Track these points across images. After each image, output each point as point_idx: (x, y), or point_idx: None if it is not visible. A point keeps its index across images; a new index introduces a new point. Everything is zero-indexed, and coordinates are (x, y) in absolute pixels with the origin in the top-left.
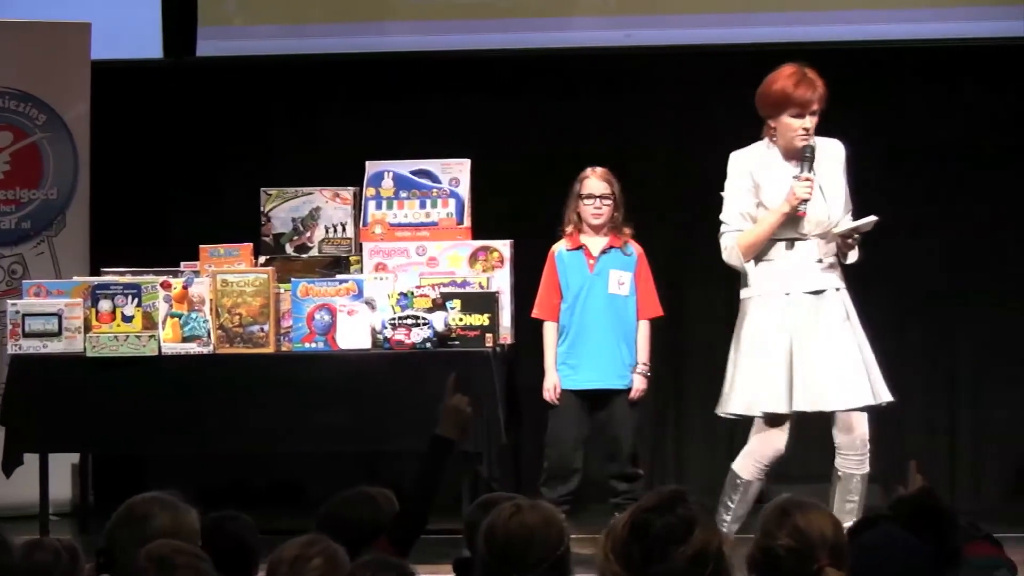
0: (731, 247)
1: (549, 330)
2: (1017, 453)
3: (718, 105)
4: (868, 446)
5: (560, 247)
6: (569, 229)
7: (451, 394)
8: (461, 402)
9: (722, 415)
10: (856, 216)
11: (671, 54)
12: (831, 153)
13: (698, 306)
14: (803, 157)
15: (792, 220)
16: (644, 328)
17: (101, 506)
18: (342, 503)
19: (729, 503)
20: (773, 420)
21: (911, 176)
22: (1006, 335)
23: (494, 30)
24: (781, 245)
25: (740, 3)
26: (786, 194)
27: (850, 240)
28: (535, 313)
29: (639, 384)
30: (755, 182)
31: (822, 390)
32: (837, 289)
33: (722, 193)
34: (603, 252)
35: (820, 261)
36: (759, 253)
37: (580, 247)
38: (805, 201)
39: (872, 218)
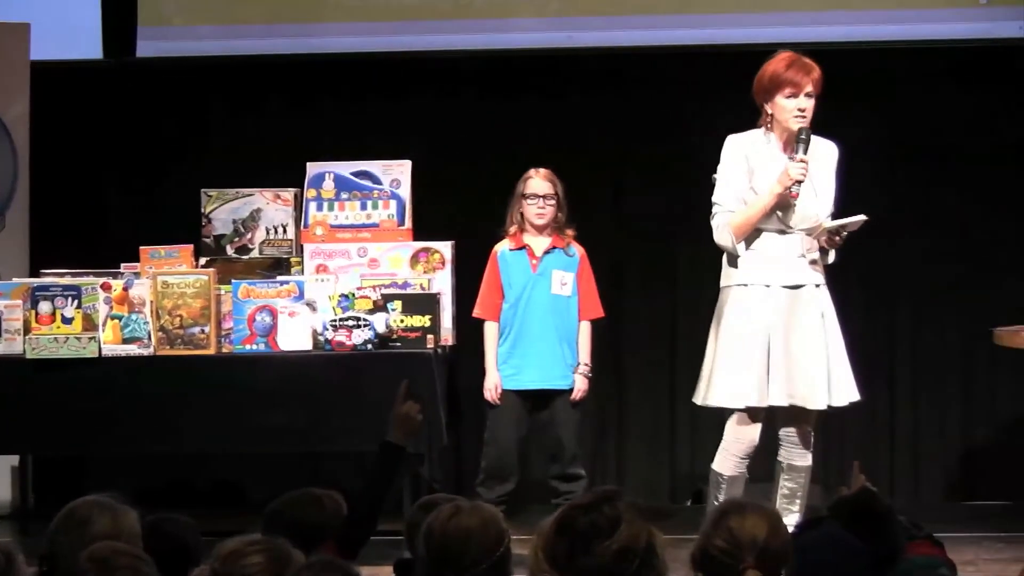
0: (722, 227)
1: (490, 330)
2: (957, 453)
3: (661, 105)
4: (812, 438)
5: (503, 247)
6: (512, 229)
7: (402, 401)
8: (412, 409)
9: (700, 404)
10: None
11: (613, 55)
12: (825, 152)
13: (639, 307)
14: (798, 139)
15: (779, 212)
16: (585, 329)
17: (41, 508)
18: (288, 503)
19: (716, 503)
20: (749, 413)
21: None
22: (944, 334)
23: (435, 31)
24: (766, 236)
25: (680, 5)
26: (779, 175)
27: (837, 237)
28: (476, 313)
29: (581, 384)
30: (750, 166)
31: (798, 385)
32: (817, 286)
33: (715, 176)
34: (546, 252)
35: (803, 256)
36: (746, 242)
37: (523, 247)
38: (799, 183)
39: (861, 217)
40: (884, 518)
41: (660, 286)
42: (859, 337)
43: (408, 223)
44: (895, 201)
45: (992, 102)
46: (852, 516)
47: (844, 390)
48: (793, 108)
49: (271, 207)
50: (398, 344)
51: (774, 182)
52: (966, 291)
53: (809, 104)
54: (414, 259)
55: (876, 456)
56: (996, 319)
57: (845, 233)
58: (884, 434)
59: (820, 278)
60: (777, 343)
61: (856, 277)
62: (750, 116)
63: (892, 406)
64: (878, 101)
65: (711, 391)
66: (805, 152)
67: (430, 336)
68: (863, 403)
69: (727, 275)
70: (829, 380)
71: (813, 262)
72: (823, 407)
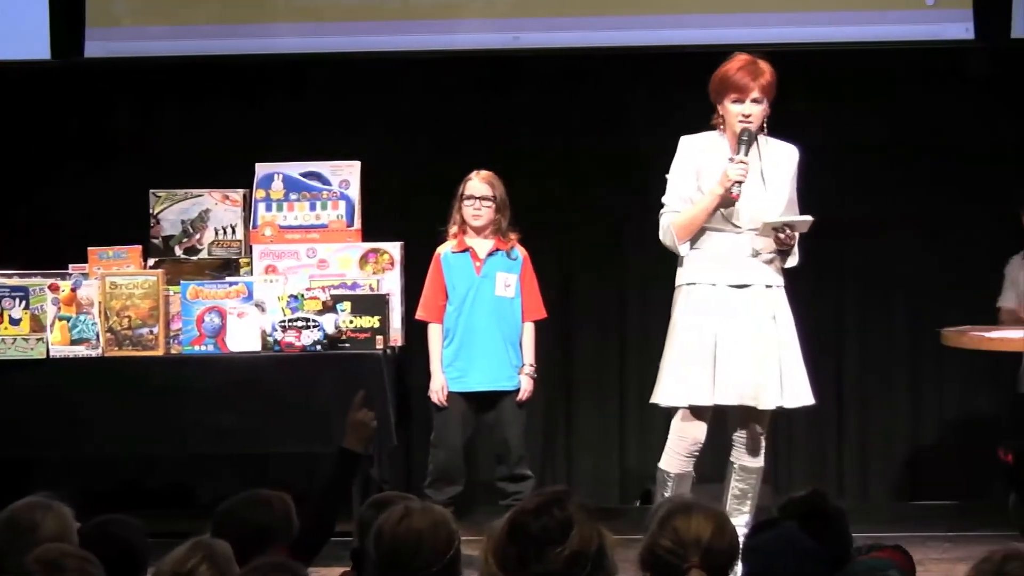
0: (666, 227)
1: (434, 332)
2: (904, 453)
3: (609, 106)
4: (764, 440)
5: (445, 249)
6: (454, 231)
7: (357, 408)
8: (367, 416)
9: (655, 403)
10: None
11: (560, 56)
12: (784, 155)
13: (588, 306)
14: (739, 140)
15: (728, 211)
16: (529, 330)
17: None
18: (238, 505)
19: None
20: (693, 411)
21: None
22: (892, 335)
23: (383, 32)
24: (715, 235)
25: (627, 5)
26: (720, 176)
27: (783, 236)
28: (419, 315)
29: (527, 385)
30: (698, 167)
31: (746, 385)
32: (768, 286)
33: (667, 176)
34: (489, 255)
35: (754, 256)
36: (694, 240)
37: (466, 249)
38: (739, 184)
39: (807, 217)
40: (834, 519)
41: (609, 286)
42: (807, 338)
43: (357, 224)
44: (843, 201)
45: (939, 102)
46: (802, 517)
47: (797, 393)
48: (738, 113)
49: (220, 208)
50: (347, 345)
51: (714, 184)
52: (914, 292)
53: (755, 109)
54: (363, 260)
55: (824, 457)
56: (943, 320)
57: (795, 234)
58: (832, 435)
59: (774, 279)
60: (724, 342)
61: (803, 277)
62: (701, 116)
63: (840, 407)
64: (826, 101)
65: (659, 390)
66: (746, 153)
67: (379, 337)
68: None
69: (679, 274)
70: (781, 382)
71: (767, 263)
72: (771, 407)
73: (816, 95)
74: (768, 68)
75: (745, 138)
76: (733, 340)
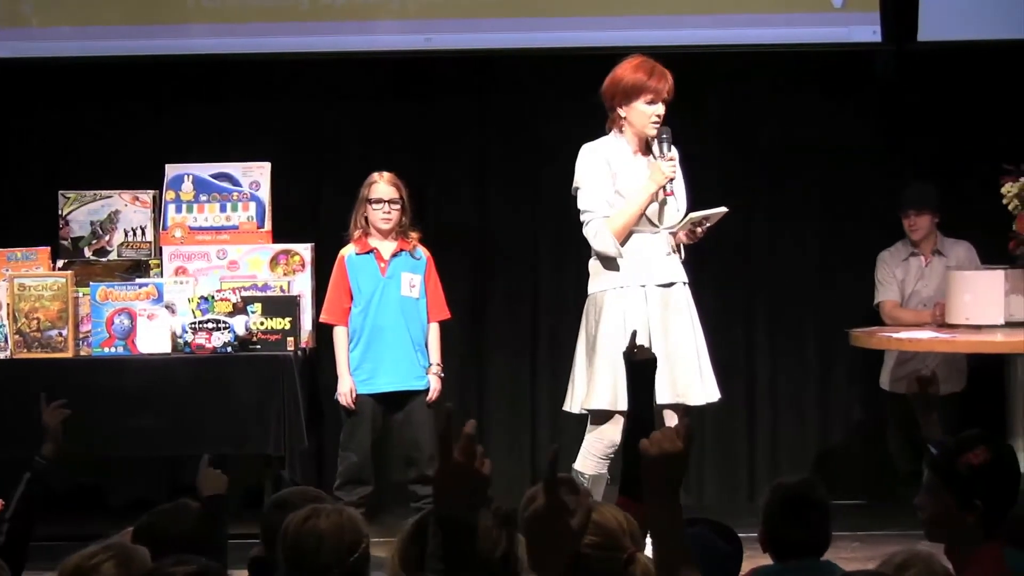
0: (601, 232)
1: (340, 335)
2: (813, 452)
3: (519, 108)
4: None
5: (349, 251)
6: (357, 233)
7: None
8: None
9: (574, 411)
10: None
11: (471, 58)
12: (676, 153)
13: (500, 308)
14: (661, 139)
15: (651, 212)
16: (435, 330)
17: None
18: (159, 515)
19: None
20: (609, 414)
21: (716, 176)
22: (801, 335)
23: (294, 32)
24: (637, 236)
25: (537, 8)
26: (650, 174)
27: (698, 230)
28: (324, 318)
29: (436, 385)
30: (612, 171)
31: (678, 383)
32: (684, 283)
33: (576, 186)
34: (394, 255)
35: (670, 254)
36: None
37: (371, 251)
38: (671, 180)
39: (722, 209)
40: (819, 508)
41: (522, 287)
42: (717, 338)
43: (268, 225)
44: (750, 202)
45: (847, 105)
46: (787, 500)
47: (710, 388)
48: (651, 114)
49: (129, 209)
50: (258, 346)
51: (646, 181)
52: (823, 292)
53: (663, 110)
54: (274, 261)
55: (735, 456)
56: (853, 321)
57: (707, 225)
58: (742, 434)
59: (684, 276)
60: (657, 342)
61: (712, 279)
62: (601, 119)
63: (751, 406)
64: (733, 104)
65: (592, 395)
66: (670, 149)
67: (290, 338)
68: (722, 404)
69: (600, 279)
70: (701, 377)
71: (678, 260)
72: (702, 402)
73: (720, 97)
74: (669, 72)
75: (666, 136)
76: (667, 340)
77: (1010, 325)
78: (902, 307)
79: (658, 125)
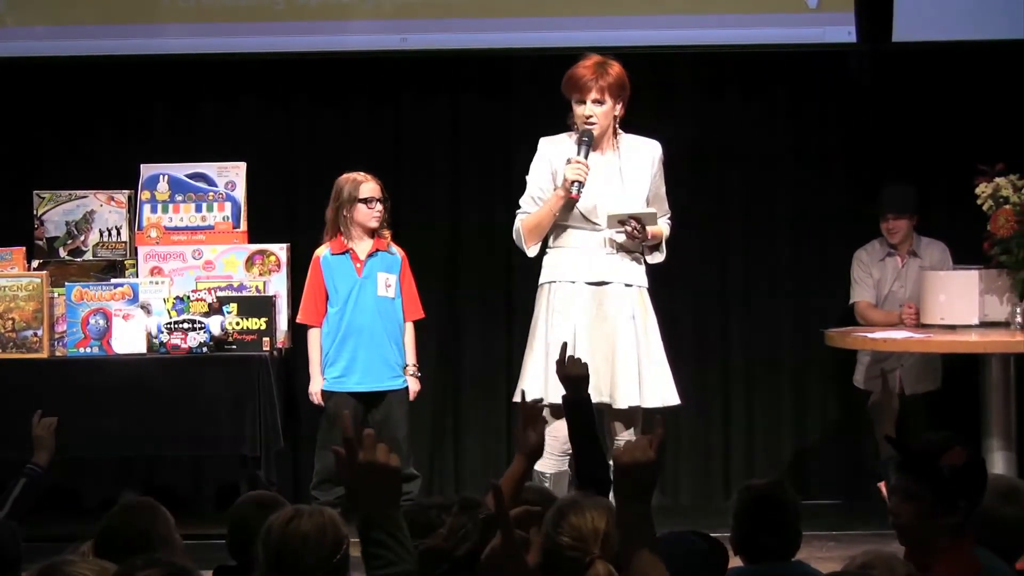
0: (517, 229)
1: (314, 336)
2: (789, 452)
3: (490, 106)
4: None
5: (324, 252)
6: (333, 233)
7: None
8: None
9: (517, 400)
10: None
11: (447, 58)
12: (644, 151)
13: (474, 306)
14: (579, 141)
15: (588, 209)
16: (410, 330)
17: None
18: (121, 512)
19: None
20: (558, 410)
21: (690, 178)
22: (777, 336)
23: (269, 32)
24: (574, 232)
25: (513, 8)
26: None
27: (628, 228)
28: (300, 319)
29: (413, 385)
30: (554, 168)
31: (602, 384)
32: (628, 285)
33: (527, 177)
34: (370, 255)
35: (613, 254)
36: (554, 239)
37: (346, 251)
38: (578, 184)
39: (651, 209)
40: (789, 510)
41: (495, 284)
42: (693, 339)
43: (243, 225)
44: (725, 204)
45: (823, 105)
46: (756, 504)
47: (659, 392)
48: (581, 114)
49: (105, 209)
50: (234, 347)
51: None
52: (798, 293)
53: (598, 110)
54: (249, 261)
55: (710, 456)
56: (828, 321)
57: (642, 227)
58: (718, 435)
59: (636, 278)
60: (583, 340)
61: (686, 279)
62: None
63: (726, 406)
64: (705, 105)
65: (522, 385)
66: (585, 155)
67: (266, 339)
68: (697, 404)
69: (542, 273)
70: (640, 381)
71: (629, 261)
72: (625, 407)
73: (693, 98)
74: (615, 70)
75: (585, 139)
76: (593, 338)
77: (984, 325)
78: (876, 308)
79: (588, 125)
